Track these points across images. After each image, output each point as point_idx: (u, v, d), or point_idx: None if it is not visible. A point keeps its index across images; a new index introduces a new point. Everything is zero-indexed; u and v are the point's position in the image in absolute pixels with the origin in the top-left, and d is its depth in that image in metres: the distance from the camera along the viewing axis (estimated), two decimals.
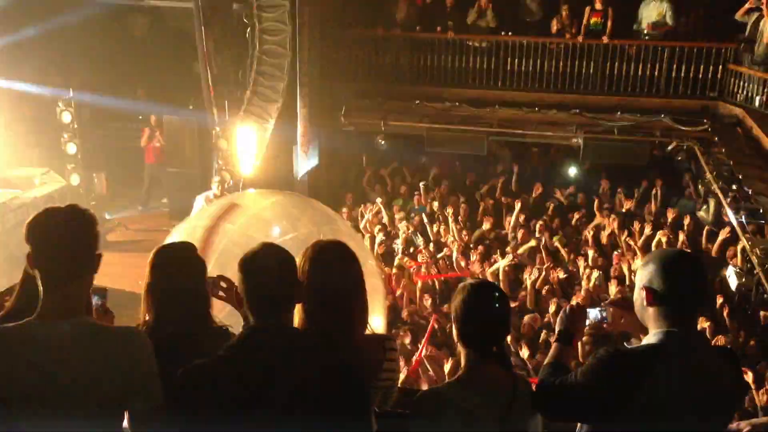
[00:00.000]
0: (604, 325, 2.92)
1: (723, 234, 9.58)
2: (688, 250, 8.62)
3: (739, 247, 9.14)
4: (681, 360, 2.37)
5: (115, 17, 12.98)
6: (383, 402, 2.78)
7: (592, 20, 12.06)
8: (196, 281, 2.90)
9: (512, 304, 8.41)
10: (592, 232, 10.60)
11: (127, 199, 13.16)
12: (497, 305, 2.63)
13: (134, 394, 2.32)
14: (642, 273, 2.50)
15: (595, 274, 8.95)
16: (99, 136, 12.91)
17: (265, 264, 2.41)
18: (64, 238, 2.30)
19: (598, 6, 12.02)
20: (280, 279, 2.39)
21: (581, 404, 2.50)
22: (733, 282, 8.70)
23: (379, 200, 11.55)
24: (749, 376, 6.55)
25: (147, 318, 2.87)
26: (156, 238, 11.19)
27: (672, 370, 2.36)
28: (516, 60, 12.39)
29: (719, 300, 8.29)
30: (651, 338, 2.46)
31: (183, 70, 12.45)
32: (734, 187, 9.24)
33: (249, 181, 11.64)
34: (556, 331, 2.88)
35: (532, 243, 10.03)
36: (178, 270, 2.86)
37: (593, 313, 2.92)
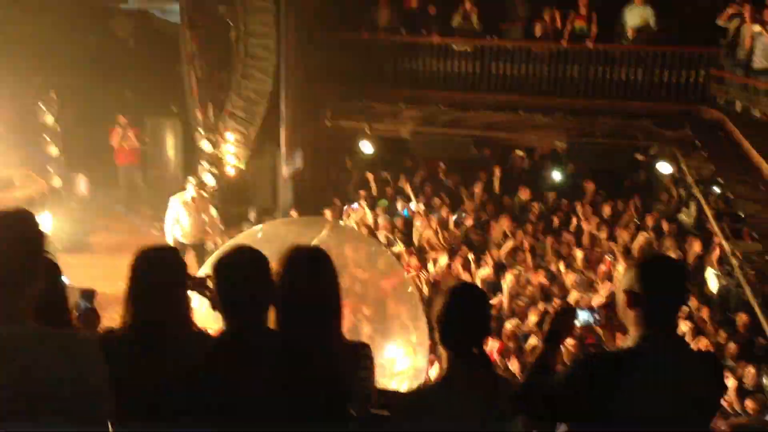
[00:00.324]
0: (596, 327, 2.92)
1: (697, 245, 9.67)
2: (670, 256, 8.69)
3: (716, 252, 9.23)
4: (658, 363, 2.40)
5: (98, 19, 12.90)
6: (361, 409, 2.78)
7: (577, 24, 12.13)
8: (175, 285, 2.84)
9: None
10: (574, 236, 10.65)
11: (109, 200, 13.06)
12: (477, 307, 2.65)
13: (82, 403, 2.27)
14: (625, 276, 2.53)
15: (571, 276, 9.03)
16: (81, 138, 12.80)
17: (237, 266, 2.41)
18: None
19: (582, 11, 12.09)
20: (252, 281, 2.39)
21: (559, 406, 2.51)
22: (713, 284, 8.77)
23: (361, 203, 11.54)
24: (731, 383, 6.62)
25: (125, 321, 2.85)
26: (138, 240, 11.16)
27: (648, 373, 2.38)
28: (500, 64, 12.45)
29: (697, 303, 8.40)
30: (630, 341, 2.49)
31: (166, 72, 12.39)
32: (718, 191, 9.32)
33: (232, 183, 11.64)
34: (544, 331, 2.88)
35: (510, 244, 10.09)
36: (157, 273, 2.80)
37: (584, 315, 2.91)
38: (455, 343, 2.62)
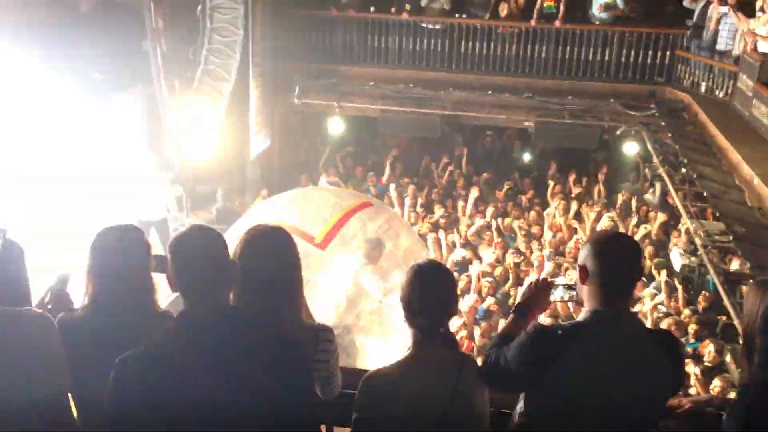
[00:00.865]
0: (574, 303, 2.93)
1: (663, 217, 9.83)
2: (624, 232, 8.82)
3: (683, 229, 9.39)
4: (603, 338, 2.43)
5: None
6: (323, 393, 2.78)
7: (546, 3, 12.15)
8: (137, 265, 2.81)
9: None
10: (542, 215, 10.76)
11: None
12: (442, 286, 2.65)
13: (39, 378, 2.27)
14: (581, 253, 2.58)
15: (537, 253, 9.15)
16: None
17: (192, 245, 2.39)
18: None
19: None
20: (208, 260, 2.38)
21: (511, 376, 2.56)
22: (677, 263, 8.92)
23: (326, 180, 11.49)
24: (693, 369, 6.74)
25: (85, 301, 2.81)
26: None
27: (592, 347, 2.41)
28: (470, 43, 12.44)
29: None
30: (580, 316, 2.54)
31: (131, 48, 12.12)
32: (684, 171, 9.44)
33: (199, 162, 11.49)
34: (516, 303, 2.91)
35: (481, 222, 10.16)
36: (118, 253, 2.78)
37: (560, 291, 2.90)
38: (420, 322, 2.62)
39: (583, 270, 2.52)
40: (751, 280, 6.72)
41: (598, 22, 12.12)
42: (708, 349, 7.08)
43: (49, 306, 3.00)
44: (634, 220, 10.26)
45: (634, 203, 10.94)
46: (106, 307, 2.74)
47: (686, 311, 8.07)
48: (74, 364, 2.72)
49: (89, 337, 2.69)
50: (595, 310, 2.48)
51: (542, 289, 2.89)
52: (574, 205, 10.80)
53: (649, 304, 8.16)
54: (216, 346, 2.28)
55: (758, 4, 10.04)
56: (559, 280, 3.02)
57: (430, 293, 2.61)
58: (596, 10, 12.15)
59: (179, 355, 2.27)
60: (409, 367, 2.60)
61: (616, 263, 2.48)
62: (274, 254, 2.61)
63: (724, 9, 10.84)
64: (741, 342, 2.37)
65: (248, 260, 2.56)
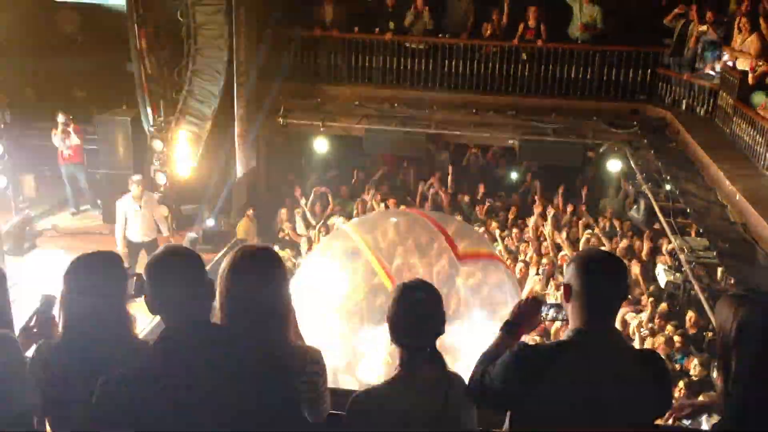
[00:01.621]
0: (565, 323, 2.88)
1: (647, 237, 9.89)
2: (608, 251, 8.84)
3: (666, 247, 9.45)
4: (587, 358, 2.41)
5: (44, 12, 12.56)
6: (311, 415, 2.76)
7: (527, 37, 12.33)
8: (111, 294, 2.76)
9: None
10: (528, 232, 10.79)
11: (56, 201, 12.74)
12: (429, 305, 2.63)
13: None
14: (566, 271, 2.57)
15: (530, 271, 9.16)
16: (27, 137, 12.45)
17: (167, 266, 2.39)
18: None
19: (531, 23, 12.29)
20: (183, 280, 2.37)
21: (496, 395, 2.54)
22: (662, 279, 8.97)
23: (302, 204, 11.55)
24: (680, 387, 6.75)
25: (59, 330, 2.77)
26: (86, 241, 10.92)
27: (575, 367, 2.39)
28: (453, 62, 12.54)
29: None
30: (564, 334, 2.52)
31: (116, 69, 12.14)
32: (667, 187, 9.53)
33: (185, 183, 11.47)
34: (504, 321, 2.86)
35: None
36: (92, 281, 2.73)
37: (551, 309, 2.86)
38: (407, 341, 2.61)
39: (567, 288, 2.50)
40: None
41: (580, 41, 12.26)
42: (694, 363, 7.11)
43: (35, 330, 2.97)
44: (622, 242, 10.26)
45: (617, 222, 11.02)
46: (80, 336, 2.70)
47: (669, 327, 8.09)
48: (51, 391, 2.68)
49: (65, 366, 2.66)
50: (580, 329, 2.46)
51: (531, 307, 2.84)
52: (549, 224, 10.84)
53: (634, 322, 8.19)
54: (197, 366, 2.26)
55: (736, 22, 10.21)
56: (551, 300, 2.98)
57: (416, 312, 2.60)
58: (576, 31, 12.30)
59: (161, 376, 2.25)
60: (396, 386, 2.59)
61: (601, 282, 2.46)
62: (262, 274, 2.57)
63: (703, 27, 11.01)
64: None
65: (235, 280, 2.52)
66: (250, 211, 11.50)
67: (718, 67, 10.75)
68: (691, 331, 7.96)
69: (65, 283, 2.74)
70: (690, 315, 8.11)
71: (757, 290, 2.58)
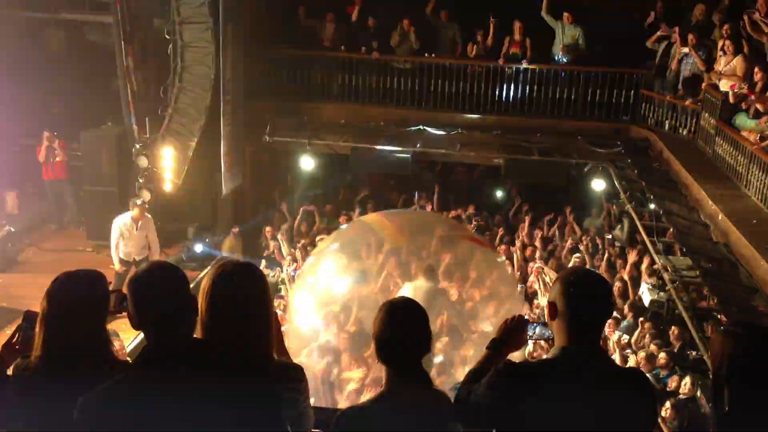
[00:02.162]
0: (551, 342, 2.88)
1: (632, 255, 9.94)
2: (592, 270, 8.89)
3: (646, 264, 9.52)
4: (571, 376, 2.42)
5: (30, 31, 12.52)
6: (295, 429, 2.74)
7: (512, 51, 12.44)
8: (92, 314, 2.72)
9: None
10: (516, 251, 10.83)
11: (40, 217, 12.64)
12: (416, 323, 2.63)
13: None
14: (551, 289, 2.59)
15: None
16: (10, 153, 12.36)
17: (149, 282, 2.39)
18: None
19: (517, 37, 12.42)
20: (165, 295, 2.37)
21: (481, 413, 2.54)
22: (646, 298, 9.02)
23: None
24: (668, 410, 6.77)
25: (37, 351, 2.74)
26: (70, 258, 10.83)
27: (559, 386, 2.40)
28: (439, 81, 12.63)
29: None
30: (550, 353, 2.53)
31: (102, 86, 12.11)
32: (651, 207, 9.61)
33: (170, 200, 11.43)
34: (491, 339, 2.87)
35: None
36: (73, 301, 2.68)
37: (539, 328, 2.87)
38: (394, 360, 2.61)
39: (552, 307, 2.51)
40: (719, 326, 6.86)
41: (564, 61, 12.40)
42: (685, 381, 7.14)
43: (17, 347, 2.94)
44: (603, 264, 10.31)
45: (599, 240, 11.09)
46: (58, 355, 2.66)
47: (653, 346, 8.13)
48: (31, 410, 2.64)
49: (42, 385, 2.63)
50: (564, 347, 2.47)
51: (517, 325, 2.85)
52: (542, 241, 10.90)
53: (614, 337, 8.24)
54: (178, 381, 2.26)
55: (719, 44, 10.36)
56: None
57: (402, 330, 2.60)
58: (559, 52, 12.44)
59: (142, 392, 2.24)
60: (382, 405, 2.58)
61: (585, 301, 2.47)
62: (243, 289, 2.54)
63: (685, 49, 11.17)
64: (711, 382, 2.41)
65: (216, 295, 2.49)
66: (236, 229, 11.50)
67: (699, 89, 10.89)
68: (675, 344, 8.00)
69: (46, 301, 2.72)
70: (673, 328, 8.15)
71: (747, 323, 2.63)
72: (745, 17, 10.06)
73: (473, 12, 12.81)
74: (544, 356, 2.57)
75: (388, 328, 2.61)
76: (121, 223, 9.70)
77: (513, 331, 2.85)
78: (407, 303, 2.74)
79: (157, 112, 11.03)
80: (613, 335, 8.38)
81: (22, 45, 12.37)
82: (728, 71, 9.88)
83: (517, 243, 11.02)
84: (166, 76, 11.00)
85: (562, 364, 2.44)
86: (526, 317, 2.94)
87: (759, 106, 9.12)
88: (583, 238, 11.30)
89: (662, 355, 7.69)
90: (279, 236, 11.31)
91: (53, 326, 2.68)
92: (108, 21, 10.64)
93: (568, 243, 11.09)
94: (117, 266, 9.64)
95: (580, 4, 12.49)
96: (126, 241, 9.70)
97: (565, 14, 12.26)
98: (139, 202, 9.82)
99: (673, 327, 8.18)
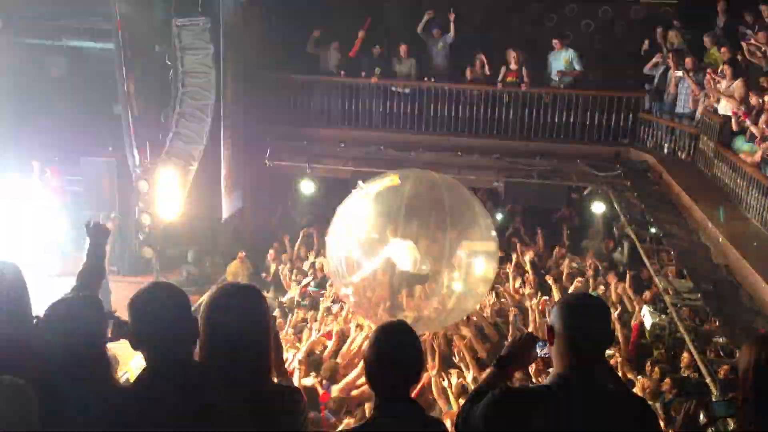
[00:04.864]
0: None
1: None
2: (591, 294, 8.82)
3: (650, 290, 9.49)
4: (568, 403, 2.39)
5: (32, 57, 12.58)
6: None
7: (508, 78, 12.52)
8: (88, 341, 2.73)
9: None
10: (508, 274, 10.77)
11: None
12: (407, 349, 2.60)
13: None
14: (550, 313, 2.57)
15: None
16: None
17: (151, 302, 2.39)
18: None
19: (513, 66, 12.49)
20: (166, 316, 2.37)
21: None
22: (647, 321, 8.99)
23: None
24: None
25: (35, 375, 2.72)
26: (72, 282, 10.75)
27: (556, 413, 2.37)
28: (438, 105, 12.69)
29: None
30: (548, 379, 2.51)
31: (103, 111, 12.15)
32: (651, 230, 9.62)
33: (170, 225, 11.42)
34: (498, 356, 2.84)
35: None
36: (68, 326, 2.70)
37: (546, 346, 2.82)
38: (383, 387, 2.58)
39: (550, 331, 2.49)
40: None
41: (562, 86, 12.47)
42: (689, 406, 7.06)
43: None
44: (601, 287, 10.25)
45: (600, 263, 11.05)
46: (58, 380, 2.64)
47: (657, 370, 8.06)
48: None
49: (44, 409, 2.61)
50: (561, 373, 2.45)
51: (525, 343, 2.81)
52: (541, 264, 10.86)
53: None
54: (177, 403, 2.24)
55: (719, 69, 10.42)
56: None
57: (393, 357, 2.56)
58: (555, 76, 12.52)
59: (141, 414, 2.24)
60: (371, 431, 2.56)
61: (583, 326, 2.45)
62: (242, 313, 2.54)
63: (679, 73, 11.25)
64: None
65: (215, 319, 2.50)
66: (242, 254, 11.41)
67: (697, 112, 10.93)
68: (686, 372, 7.92)
69: (45, 327, 2.72)
70: (684, 356, 8.06)
71: None
72: (743, 44, 10.15)
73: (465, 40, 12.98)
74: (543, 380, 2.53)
75: (377, 353, 2.58)
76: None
77: (520, 349, 2.81)
78: (397, 327, 2.70)
79: (158, 136, 11.06)
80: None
81: (24, 71, 12.43)
82: (727, 94, 9.93)
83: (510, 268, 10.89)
84: (167, 101, 11.06)
85: (560, 390, 2.41)
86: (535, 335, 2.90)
87: (753, 130, 9.16)
88: (588, 261, 11.26)
89: (667, 380, 7.63)
90: (281, 267, 11.16)
91: (53, 351, 2.68)
92: (109, 47, 10.70)
93: (567, 267, 11.04)
94: None
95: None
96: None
97: (554, 41, 12.39)
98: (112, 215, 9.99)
99: (684, 354, 8.07)
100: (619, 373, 7.45)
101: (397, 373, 2.57)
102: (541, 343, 2.80)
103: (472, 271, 8.45)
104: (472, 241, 8.35)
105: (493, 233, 8.79)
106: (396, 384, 2.57)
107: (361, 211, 8.67)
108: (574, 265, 10.82)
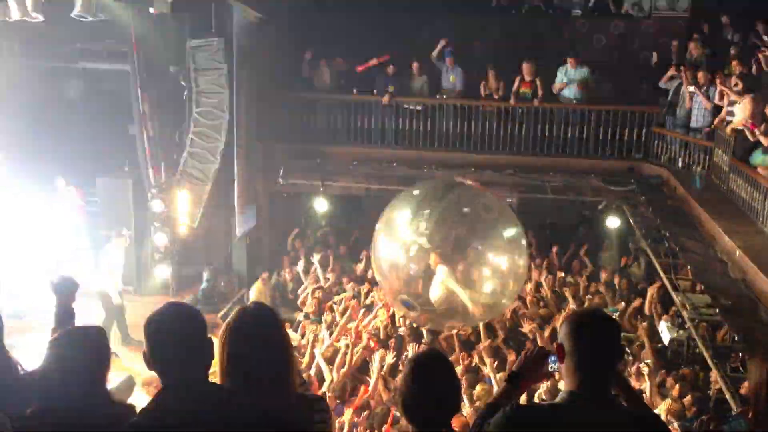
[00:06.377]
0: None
1: (652, 290, 9.81)
2: (601, 310, 8.69)
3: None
4: (578, 422, 2.36)
5: (48, 80, 12.74)
6: None
7: (522, 89, 12.51)
8: (90, 366, 2.76)
9: None
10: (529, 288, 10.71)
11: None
12: (443, 380, 2.54)
13: None
14: (560, 330, 2.54)
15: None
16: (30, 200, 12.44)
17: (166, 322, 2.39)
18: None
19: (527, 77, 12.48)
20: (182, 336, 2.37)
21: None
22: (665, 336, 8.91)
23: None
24: None
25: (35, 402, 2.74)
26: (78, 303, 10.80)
27: (567, 430, 2.35)
28: (450, 122, 12.71)
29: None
30: (558, 397, 2.48)
31: (118, 132, 12.26)
32: (666, 245, 9.55)
33: (185, 244, 11.48)
34: (510, 371, 2.81)
35: None
36: (70, 354, 2.73)
37: (558, 362, 2.80)
38: (419, 419, 2.50)
39: (560, 348, 2.47)
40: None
41: (575, 101, 12.45)
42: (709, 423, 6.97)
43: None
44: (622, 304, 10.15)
45: (617, 279, 10.96)
46: (56, 409, 2.67)
47: (677, 386, 7.96)
48: None
49: None
50: (571, 391, 2.42)
51: (538, 358, 2.77)
52: (556, 280, 10.78)
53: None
54: (194, 425, 2.23)
55: (732, 81, 10.40)
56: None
57: (429, 388, 2.48)
58: (556, 91, 12.50)
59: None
60: None
61: (592, 343, 2.42)
62: (262, 334, 2.54)
63: (692, 88, 11.23)
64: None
65: (234, 340, 2.50)
66: (265, 275, 11.35)
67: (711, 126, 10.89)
68: (707, 390, 7.80)
69: (48, 355, 2.74)
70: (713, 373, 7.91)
71: None
72: (760, 54, 10.12)
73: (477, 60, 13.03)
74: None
75: (412, 385, 2.49)
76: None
77: (533, 364, 2.77)
78: (434, 357, 2.63)
79: (172, 156, 11.15)
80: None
81: (41, 93, 12.58)
82: (738, 110, 9.90)
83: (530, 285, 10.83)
84: (182, 122, 11.15)
85: (570, 408, 2.38)
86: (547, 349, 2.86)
87: (764, 141, 9.11)
88: (603, 275, 11.19)
89: (687, 398, 7.53)
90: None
91: (53, 380, 2.71)
92: (124, 69, 10.81)
93: (583, 283, 10.96)
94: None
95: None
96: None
97: (569, 60, 12.33)
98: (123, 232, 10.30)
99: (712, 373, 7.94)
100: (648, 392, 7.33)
101: (438, 405, 2.49)
102: (552, 358, 2.75)
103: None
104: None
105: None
106: (438, 416, 2.49)
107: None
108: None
